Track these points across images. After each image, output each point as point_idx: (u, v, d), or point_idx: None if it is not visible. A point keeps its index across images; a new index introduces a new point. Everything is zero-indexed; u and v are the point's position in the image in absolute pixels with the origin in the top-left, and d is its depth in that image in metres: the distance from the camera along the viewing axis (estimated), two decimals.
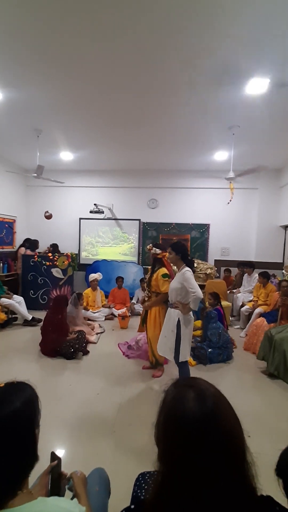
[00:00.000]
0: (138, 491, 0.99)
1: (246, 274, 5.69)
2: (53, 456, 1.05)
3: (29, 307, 5.27)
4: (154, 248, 3.18)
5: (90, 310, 5.34)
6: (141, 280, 5.82)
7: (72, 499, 0.94)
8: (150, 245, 3.26)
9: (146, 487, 0.99)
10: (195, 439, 0.59)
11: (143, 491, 0.97)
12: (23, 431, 0.74)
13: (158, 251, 3.16)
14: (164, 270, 3.11)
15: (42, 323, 4.02)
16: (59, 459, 1.04)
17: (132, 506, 0.65)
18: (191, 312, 2.62)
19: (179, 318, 2.57)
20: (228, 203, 5.53)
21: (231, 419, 0.64)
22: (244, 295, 5.55)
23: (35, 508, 0.69)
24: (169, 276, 3.05)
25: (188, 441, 0.60)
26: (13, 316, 4.99)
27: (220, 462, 0.59)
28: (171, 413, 0.64)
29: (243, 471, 0.61)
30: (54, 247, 6.87)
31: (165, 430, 0.64)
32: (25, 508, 0.68)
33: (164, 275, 3.06)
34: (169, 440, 0.63)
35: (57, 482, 1.00)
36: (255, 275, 5.50)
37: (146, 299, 3.30)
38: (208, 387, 0.68)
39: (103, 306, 5.62)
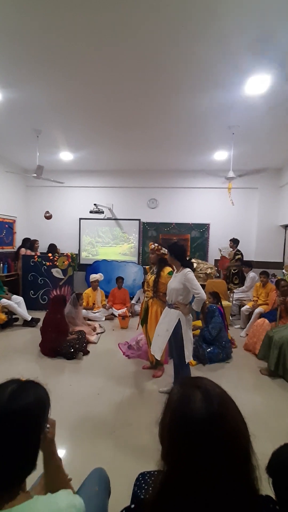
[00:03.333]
0: (138, 491, 0.99)
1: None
2: None
3: (30, 307, 5.28)
4: (162, 248, 3.15)
5: (91, 310, 5.34)
6: (143, 284, 5.81)
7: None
8: (157, 244, 3.20)
9: (146, 487, 0.99)
10: (201, 440, 0.59)
11: (143, 491, 0.97)
12: (31, 427, 0.74)
13: (166, 250, 3.15)
14: (169, 269, 3.12)
15: (42, 323, 4.01)
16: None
17: (132, 506, 0.65)
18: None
19: (179, 319, 2.55)
20: (233, 204, 5.53)
21: (237, 420, 0.64)
22: (238, 295, 5.62)
23: (31, 506, 0.69)
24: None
25: (193, 441, 0.60)
26: (14, 316, 4.98)
27: (224, 463, 0.59)
28: (177, 413, 0.64)
29: (247, 473, 0.61)
30: (51, 248, 6.84)
31: (171, 429, 0.64)
32: (22, 508, 0.68)
33: (170, 273, 3.07)
34: (174, 440, 0.63)
35: None
36: (251, 275, 5.53)
37: (149, 300, 3.29)
38: (214, 388, 0.68)
39: (101, 306, 5.62)
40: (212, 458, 0.58)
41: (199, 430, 0.60)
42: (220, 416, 0.62)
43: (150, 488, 0.97)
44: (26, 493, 0.74)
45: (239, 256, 5.97)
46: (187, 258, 2.72)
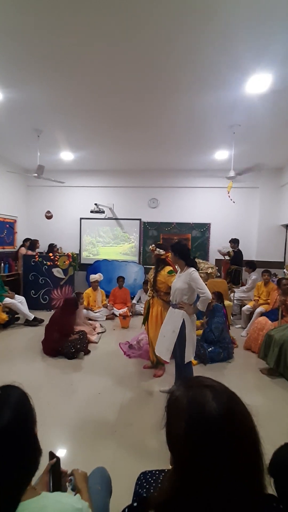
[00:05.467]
0: (140, 489, 0.99)
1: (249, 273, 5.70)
2: (52, 455, 1.05)
3: (30, 307, 5.28)
4: (158, 249, 3.17)
5: (92, 310, 5.35)
6: (144, 283, 5.82)
7: (75, 495, 0.95)
8: (153, 245, 3.23)
9: (147, 486, 0.99)
10: (222, 437, 0.59)
11: (145, 489, 0.98)
12: (21, 439, 0.74)
13: (162, 251, 3.15)
14: (169, 268, 3.12)
15: (49, 321, 4.01)
16: (57, 458, 1.04)
17: (135, 504, 0.65)
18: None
19: (184, 319, 2.54)
20: (234, 202, 5.51)
21: (245, 411, 0.64)
22: (239, 294, 5.63)
23: (39, 503, 0.70)
24: (174, 272, 3.06)
25: (216, 440, 0.58)
26: (15, 316, 4.99)
27: (242, 458, 0.58)
28: (195, 417, 0.61)
29: (260, 466, 0.61)
30: (51, 247, 6.84)
31: (190, 436, 0.61)
32: (29, 504, 0.69)
33: (170, 272, 3.07)
34: (195, 445, 0.60)
35: (58, 480, 1.00)
36: (253, 276, 5.50)
37: (150, 299, 3.29)
38: (218, 383, 0.68)
39: (102, 305, 5.62)
40: (232, 454, 0.58)
41: (220, 428, 0.59)
42: (233, 410, 0.62)
43: (152, 487, 0.97)
44: (33, 489, 0.75)
45: (230, 251, 5.99)
46: (191, 257, 2.70)
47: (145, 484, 1.00)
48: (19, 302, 4.97)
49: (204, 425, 0.60)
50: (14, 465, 0.70)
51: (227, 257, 6.15)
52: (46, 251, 6.71)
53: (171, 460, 0.65)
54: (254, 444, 0.61)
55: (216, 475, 0.57)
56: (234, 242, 6.11)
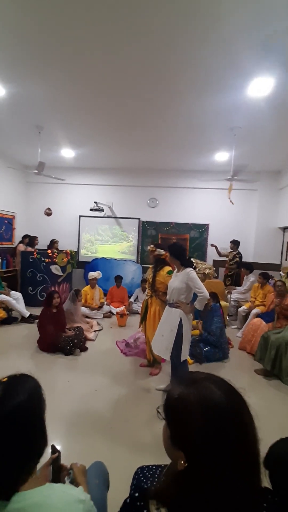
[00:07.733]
0: (138, 484, 1.02)
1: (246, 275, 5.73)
2: (53, 449, 1.07)
3: (28, 303, 5.27)
4: (158, 250, 3.19)
5: (89, 308, 5.36)
6: (143, 281, 5.84)
7: None
8: (152, 246, 3.25)
9: (145, 480, 1.01)
10: (236, 422, 0.61)
11: (142, 483, 1.00)
12: (30, 421, 0.76)
13: (161, 252, 3.18)
14: (168, 268, 3.14)
15: (39, 318, 4.02)
16: (58, 452, 1.06)
17: (137, 494, 0.67)
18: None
19: (181, 318, 2.57)
20: (232, 203, 5.55)
21: (244, 400, 0.67)
22: (236, 295, 5.67)
23: (44, 492, 0.72)
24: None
25: (232, 426, 0.61)
26: (14, 315, 4.95)
27: (250, 447, 0.61)
28: (209, 407, 0.62)
29: (257, 454, 0.63)
30: (51, 243, 6.83)
31: (207, 429, 0.60)
32: (35, 492, 0.71)
33: (169, 272, 3.09)
34: (212, 436, 0.60)
35: (57, 474, 1.02)
36: (251, 278, 5.53)
37: (148, 298, 3.31)
38: (209, 374, 0.71)
39: (100, 304, 5.63)
40: (240, 444, 0.60)
41: (230, 414, 0.62)
42: (236, 396, 0.65)
43: (149, 482, 0.99)
44: (38, 478, 0.77)
45: (237, 259, 6.02)
46: (187, 258, 2.74)
47: (142, 478, 1.03)
48: (16, 298, 4.95)
49: (219, 414, 0.62)
50: (19, 447, 0.73)
51: (226, 257, 6.19)
52: (47, 247, 6.67)
53: (179, 460, 0.63)
54: (254, 430, 0.64)
55: (224, 465, 0.59)
56: (235, 243, 6.13)
